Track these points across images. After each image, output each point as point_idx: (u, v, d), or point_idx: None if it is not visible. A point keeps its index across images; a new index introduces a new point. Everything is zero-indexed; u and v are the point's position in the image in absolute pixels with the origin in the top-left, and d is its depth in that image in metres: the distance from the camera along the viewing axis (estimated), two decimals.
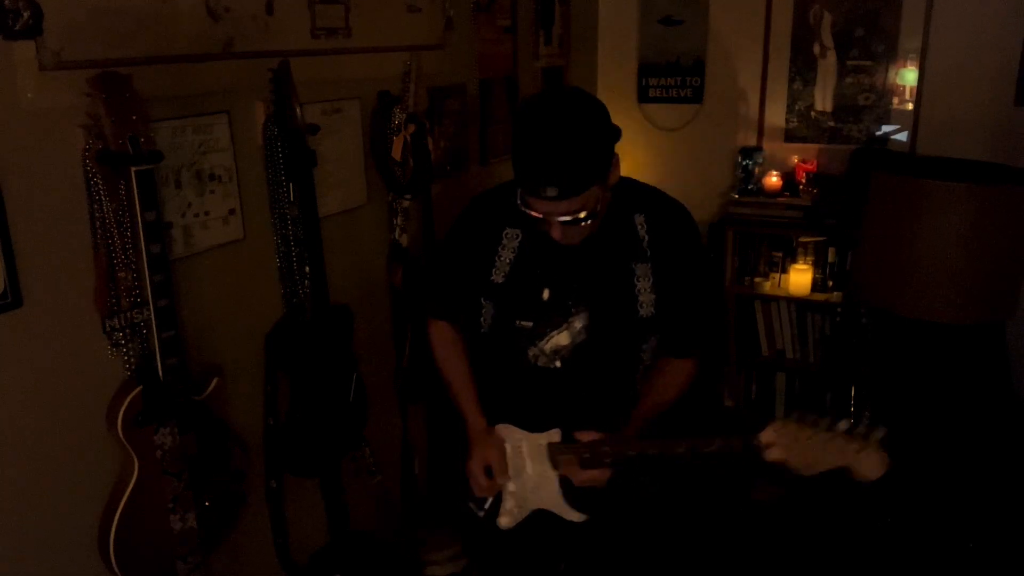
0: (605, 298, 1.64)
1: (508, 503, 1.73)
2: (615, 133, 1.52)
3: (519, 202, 1.54)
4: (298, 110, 1.93)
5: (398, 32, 2.44)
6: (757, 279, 3.51)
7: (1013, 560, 2.62)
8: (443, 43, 2.66)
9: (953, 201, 2.36)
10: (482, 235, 1.72)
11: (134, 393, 1.65)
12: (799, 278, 3.36)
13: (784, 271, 3.45)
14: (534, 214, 1.51)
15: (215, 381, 1.82)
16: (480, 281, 1.71)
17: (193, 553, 1.79)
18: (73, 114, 1.56)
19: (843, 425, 1.35)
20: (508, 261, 1.69)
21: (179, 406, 1.72)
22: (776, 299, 3.47)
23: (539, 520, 1.73)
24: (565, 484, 1.67)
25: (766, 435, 1.41)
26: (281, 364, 2.08)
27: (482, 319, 1.74)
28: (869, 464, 1.34)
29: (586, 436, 1.61)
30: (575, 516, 1.69)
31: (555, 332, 1.66)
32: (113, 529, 1.67)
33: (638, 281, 1.64)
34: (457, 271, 1.79)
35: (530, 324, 1.67)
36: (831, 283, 3.37)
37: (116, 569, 1.69)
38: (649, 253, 1.64)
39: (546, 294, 1.66)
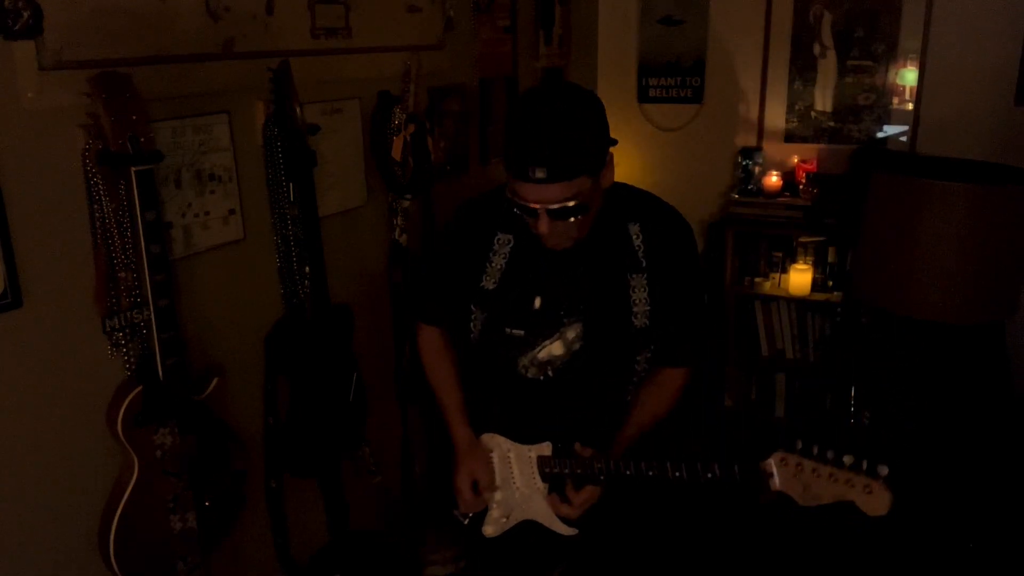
0: (599, 309, 1.61)
1: (495, 512, 1.72)
2: (608, 133, 1.51)
3: (508, 195, 1.50)
4: (298, 110, 1.93)
5: (398, 32, 2.44)
6: (757, 279, 3.50)
7: (1013, 560, 2.62)
8: (443, 43, 2.66)
9: (953, 201, 2.36)
10: (473, 240, 1.68)
11: (134, 393, 1.65)
12: (799, 278, 3.36)
13: (784, 271, 3.45)
14: (522, 202, 1.46)
15: (215, 381, 1.82)
16: (470, 287, 1.68)
17: (193, 553, 1.79)
18: (73, 114, 1.56)
19: (848, 460, 1.34)
20: (499, 268, 1.65)
21: (179, 406, 1.72)
22: (776, 299, 3.47)
23: (532, 525, 1.73)
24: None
25: (768, 465, 1.40)
26: (281, 364, 2.08)
27: (472, 326, 1.71)
28: (875, 501, 1.33)
29: (585, 452, 1.59)
30: (567, 531, 1.67)
31: (547, 342, 1.63)
32: (113, 529, 1.67)
33: (633, 292, 1.60)
34: (447, 276, 1.76)
35: (521, 333, 1.63)
36: (831, 283, 3.37)
37: (116, 569, 1.69)
38: (644, 264, 1.60)
39: (537, 302, 1.62)
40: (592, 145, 1.45)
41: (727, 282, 3.46)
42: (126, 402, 1.64)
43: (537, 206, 1.45)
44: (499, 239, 1.65)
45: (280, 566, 2.19)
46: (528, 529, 1.72)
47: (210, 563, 1.88)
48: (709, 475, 1.45)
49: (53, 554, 1.67)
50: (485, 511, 1.73)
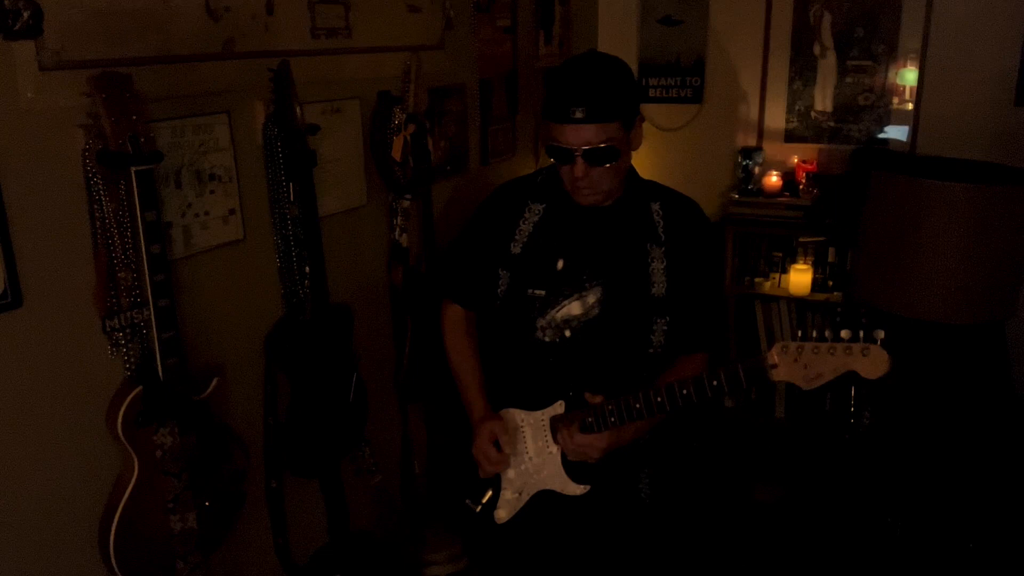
0: (619, 274, 1.68)
1: (507, 493, 1.73)
2: (639, 98, 1.67)
3: (547, 144, 1.63)
4: (298, 110, 1.93)
5: (398, 32, 2.44)
6: (757, 279, 3.50)
7: (1013, 560, 2.62)
8: (443, 43, 2.66)
9: (953, 201, 2.36)
10: (506, 210, 1.78)
11: (134, 393, 1.65)
12: (799, 278, 3.36)
13: (784, 271, 3.45)
14: (561, 145, 1.59)
15: (215, 381, 1.82)
16: (500, 252, 1.75)
17: (193, 553, 1.79)
18: (73, 114, 1.56)
19: (845, 334, 1.39)
20: (527, 232, 1.74)
21: (179, 406, 1.72)
22: (776, 299, 3.47)
23: (539, 519, 1.73)
24: (567, 457, 1.69)
25: (771, 356, 1.44)
26: (281, 364, 2.08)
27: (498, 290, 1.76)
28: (873, 363, 1.38)
29: (595, 399, 1.63)
30: (577, 489, 1.69)
31: (567, 301, 1.69)
32: (113, 529, 1.67)
33: (651, 262, 1.69)
34: (477, 251, 1.81)
35: (543, 293, 1.70)
36: (831, 283, 3.37)
37: (116, 569, 1.69)
38: (664, 238, 1.70)
39: (560, 264, 1.70)
40: (625, 96, 1.60)
41: (727, 282, 3.46)
42: (126, 402, 1.64)
43: (575, 147, 1.57)
44: (531, 208, 1.76)
45: (280, 566, 2.19)
46: (537, 522, 1.73)
47: (210, 563, 1.88)
48: (715, 383, 1.49)
49: (53, 554, 1.67)
50: (496, 497, 1.74)
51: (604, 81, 1.57)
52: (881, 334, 1.38)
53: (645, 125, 1.69)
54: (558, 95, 1.58)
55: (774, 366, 1.44)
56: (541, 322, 1.70)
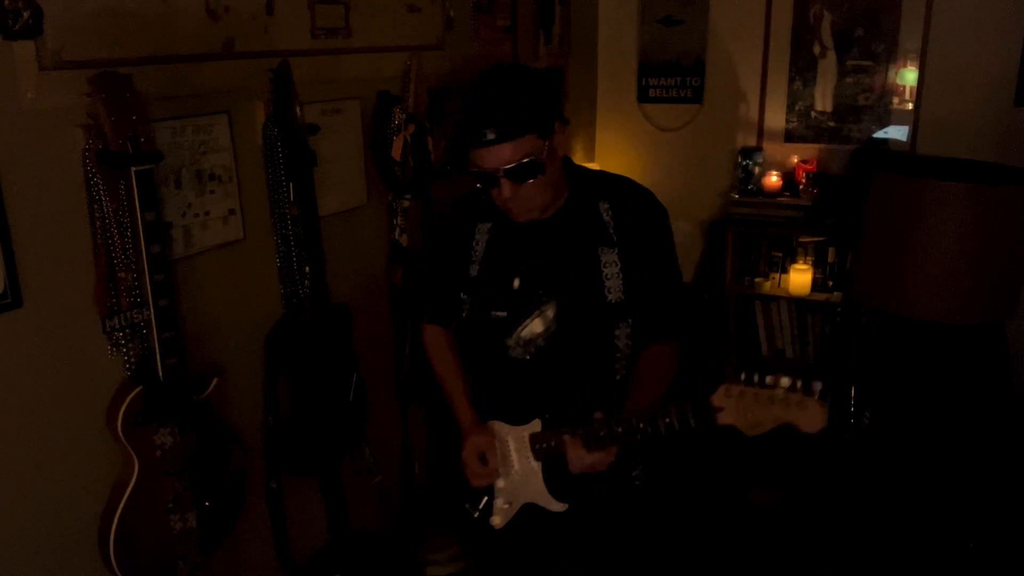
0: (571, 285, 1.66)
1: (499, 501, 1.74)
2: (557, 103, 1.63)
3: (470, 171, 1.59)
4: (298, 110, 1.93)
5: (398, 32, 2.44)
6: (757, 279, 3.50)
7: (1013, 560, 2.62)
8: (443, 43, 2.66)
9: (953, 201, 2.36)
10: (458, 233, 1.76)
11: (134, 393, 1.65)
12: (799, 278, 3.36)
13: (784, 271, 3.44)
14: (482, 170, 1.55)
15: (215, 381, 1.82)
16: (459, 277, 1.74)
17: (193, 553, 1.79)
18: (73, 114, 1.57)
19: (785, 382, 1.39)
20: (481, 253, 1.72)
21: (179, 406, 1.72)
22: (776, 299, 3.47)
23: (536, 521, 1.74)
24: (548, 474, 1.69)
25: (716, 399, 1.45)
26: (281, 364, 2.08)
27: (464, 313, 1.76)
28: (810, 417, 1.38)
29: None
30: (557, 506, 1.70)
31: (528, 320, 1.68)
32: (113, 529, 1.67)
33: (605, 267, 1.65)
34: (442, 274, 1.81)
35: (504, 314, 1.68)
36: (831, 283, 3.37)
37: (116, 569, 1.69)
38: (616, 238, 1.66)
39: (516, 283, 1.68)
40: (536, 106, 1.54)
41: (727, 282, 3.46)
42: (126, 402, 1.65)
43: (495, 169, 1.53)
44: (479, 228, 1.73)
45: (280, 566, 2.19)
46: (534, 524, 1.73)
47: (210, 563, 1.88)
48: (667, 420, 1.51)
49: (54, 554, 1.67)
50: (492, 505, 1.74)
51: (510, 96, 1.52)
52: (818, 386, 1.38)
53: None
54: (467, 120, 1.54)
55: (720, 410, 1.44)
56: (510, 341, 1.69)
